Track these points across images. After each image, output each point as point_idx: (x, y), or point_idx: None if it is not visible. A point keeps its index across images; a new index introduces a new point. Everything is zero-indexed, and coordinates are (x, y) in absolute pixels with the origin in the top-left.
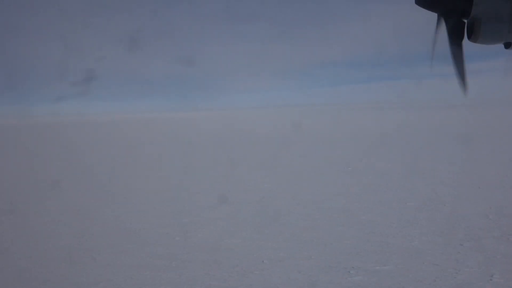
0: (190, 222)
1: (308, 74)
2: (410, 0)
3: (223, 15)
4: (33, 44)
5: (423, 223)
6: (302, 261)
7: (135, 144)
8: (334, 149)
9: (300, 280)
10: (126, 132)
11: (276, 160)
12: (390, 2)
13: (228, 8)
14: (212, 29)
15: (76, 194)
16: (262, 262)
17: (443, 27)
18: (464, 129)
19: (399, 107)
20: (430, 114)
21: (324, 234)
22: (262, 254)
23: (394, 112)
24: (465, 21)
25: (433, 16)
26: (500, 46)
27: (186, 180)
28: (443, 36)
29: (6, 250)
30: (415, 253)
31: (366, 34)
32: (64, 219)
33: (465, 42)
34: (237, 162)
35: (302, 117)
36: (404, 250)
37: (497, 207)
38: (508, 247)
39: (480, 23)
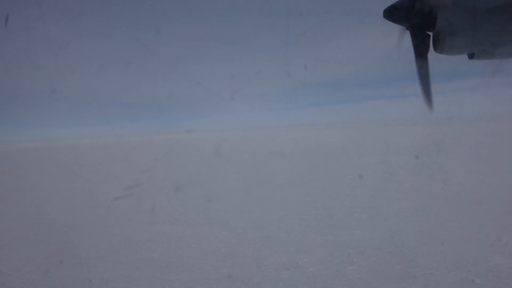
0: None
1: (290, 95)
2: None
3: (208, 37)
4: (11, 66)
5: None
6: None
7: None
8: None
9: None
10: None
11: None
12: (366, 24)
13: (212, 30)
14: (197, 50)
15: None
16: None
17: (408, 40)
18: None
19: (379, 125)
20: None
21: None
22: None
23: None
24: (430, 34)
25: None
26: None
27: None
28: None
29: None
30: None
31: (347, 56)
32: None
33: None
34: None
35: (295, 136)
36: None
37: None
38: None
39: (445, 35)
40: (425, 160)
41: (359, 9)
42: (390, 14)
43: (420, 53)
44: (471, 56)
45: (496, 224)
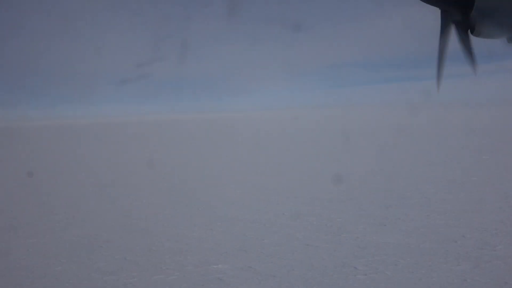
0: None
1: (317, 75)
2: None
3: (229, 16)
4: (31, 43)
5: None
6: None
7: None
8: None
9: None
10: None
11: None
12: (401, 4)
13: (234, 8)
14: (219, 30)
15: None
16: None
17: (448, 23)
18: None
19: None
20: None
21: None
22: None
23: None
24: (468, 15)
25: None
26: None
27: None
28: (449, 32)
29: None
30: None
31: (375, 35)
32: None
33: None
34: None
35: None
36: None
37: None
38: None
39: (484, 18)
40: None
41: None
42: None
43: (445, 34)
44: (511, 40)
45: None
